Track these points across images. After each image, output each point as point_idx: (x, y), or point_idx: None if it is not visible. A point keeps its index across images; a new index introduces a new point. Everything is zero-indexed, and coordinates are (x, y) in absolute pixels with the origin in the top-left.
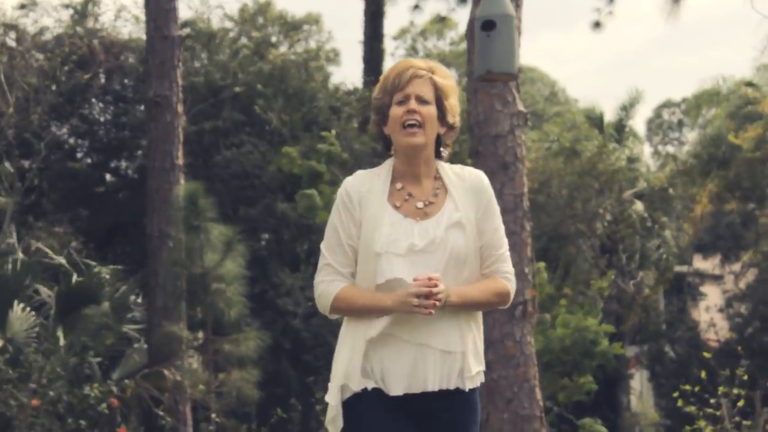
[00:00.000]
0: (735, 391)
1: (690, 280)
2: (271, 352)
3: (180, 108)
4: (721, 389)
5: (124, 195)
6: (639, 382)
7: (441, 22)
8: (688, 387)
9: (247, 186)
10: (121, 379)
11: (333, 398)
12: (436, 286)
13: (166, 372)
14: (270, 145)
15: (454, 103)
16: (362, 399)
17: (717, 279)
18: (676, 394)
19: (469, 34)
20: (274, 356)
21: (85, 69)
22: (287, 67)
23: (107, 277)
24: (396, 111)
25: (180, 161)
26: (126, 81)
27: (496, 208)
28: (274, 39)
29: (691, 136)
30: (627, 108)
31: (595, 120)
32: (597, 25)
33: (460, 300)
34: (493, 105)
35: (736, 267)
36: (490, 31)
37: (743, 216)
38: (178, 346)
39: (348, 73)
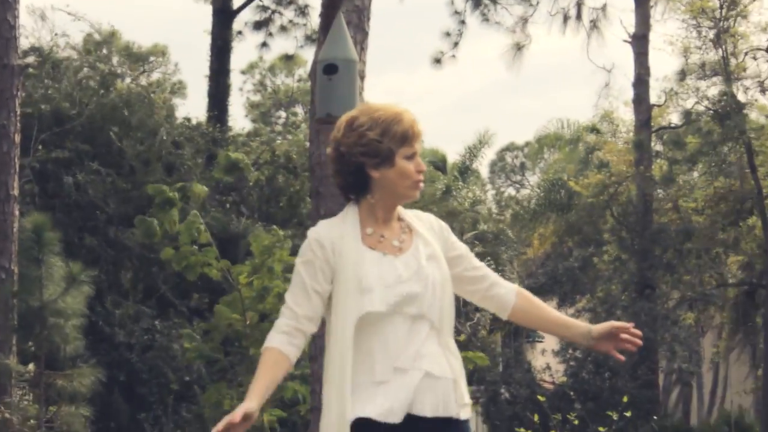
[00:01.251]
0: None
1: None
2: (104, 385)
3: (17, 138)
4: None
5: None
6: (473, 423)
7: (289, 60)
8: (521, 430)
9: (90, 216)
10: None
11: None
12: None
13: None
14: (118, 175)
15: None
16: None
17: None
18: None
19: (313, 75)
20: (107, 389)
21: None
22: (131, 99)
23: None
24: (408, 167)
25: (16, 192)
26: None
27: (456, 238)
28: (119, 70)
29: (532, 179)
30: (473, 150)
31: (437, 163)
32: (437, 61)
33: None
34: None
35: (572, 311)
36: (332, 74)
37: (582, 261)
38: (8, 380)
39: (194, 106)
